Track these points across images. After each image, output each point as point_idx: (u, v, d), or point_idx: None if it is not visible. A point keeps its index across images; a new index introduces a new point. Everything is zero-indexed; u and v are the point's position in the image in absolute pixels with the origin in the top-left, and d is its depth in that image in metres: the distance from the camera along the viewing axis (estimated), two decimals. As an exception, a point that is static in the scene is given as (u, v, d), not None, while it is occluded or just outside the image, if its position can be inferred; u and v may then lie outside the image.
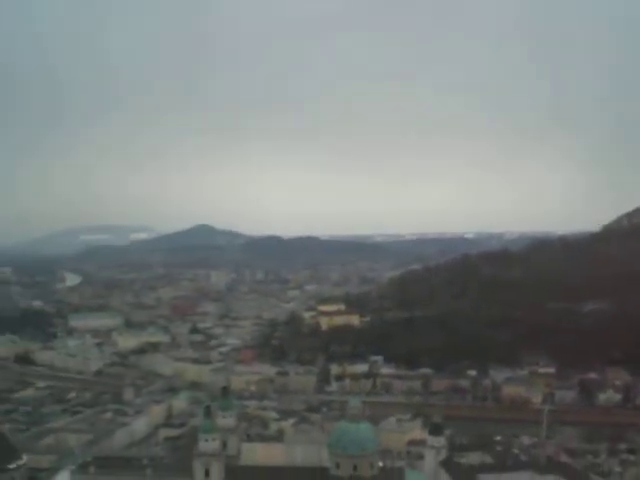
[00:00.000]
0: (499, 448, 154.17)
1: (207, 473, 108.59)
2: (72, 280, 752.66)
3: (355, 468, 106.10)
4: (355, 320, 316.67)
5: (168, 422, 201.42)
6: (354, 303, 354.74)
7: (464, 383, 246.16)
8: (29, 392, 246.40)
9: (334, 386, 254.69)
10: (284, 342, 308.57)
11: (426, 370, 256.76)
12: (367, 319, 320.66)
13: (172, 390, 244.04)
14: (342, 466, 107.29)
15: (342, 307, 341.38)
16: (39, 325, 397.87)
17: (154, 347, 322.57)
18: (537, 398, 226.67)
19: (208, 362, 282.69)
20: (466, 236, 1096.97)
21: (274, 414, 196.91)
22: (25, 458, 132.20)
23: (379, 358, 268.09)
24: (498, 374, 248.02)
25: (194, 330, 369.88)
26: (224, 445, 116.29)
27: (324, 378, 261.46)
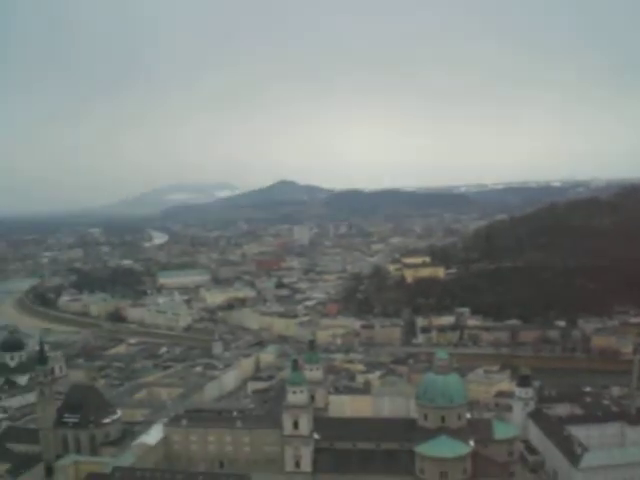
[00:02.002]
0: (588, 399, 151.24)
1: (296, 424, 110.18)
2: (159, 239, 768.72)
3: (443, 419, 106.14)
4: (440, 272, 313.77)
5: (256, 375, 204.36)
6: (439, 255, 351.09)
7: (553, 334, 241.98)
8: (121, 348, 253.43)
9: (420, 338, 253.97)
10: (369, 295, 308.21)
11: (514, 321, 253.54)
12: (452, 271, 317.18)
13: (259, 344, 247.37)
14: (429, 417, 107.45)
15: (427, 259, 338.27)
16: (129, 283, 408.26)
17: (241, 302, 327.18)
18: (627, 348, 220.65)
19: (294, 316, 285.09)
20: (552, 184, 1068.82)
21: (361, 366, 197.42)
22: (119, 412, 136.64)
23: (465, 310, 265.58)
24: (587, 325, 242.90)
25: (279, 285, 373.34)
26: (312, 397, 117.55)
27: (410, 330, 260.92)
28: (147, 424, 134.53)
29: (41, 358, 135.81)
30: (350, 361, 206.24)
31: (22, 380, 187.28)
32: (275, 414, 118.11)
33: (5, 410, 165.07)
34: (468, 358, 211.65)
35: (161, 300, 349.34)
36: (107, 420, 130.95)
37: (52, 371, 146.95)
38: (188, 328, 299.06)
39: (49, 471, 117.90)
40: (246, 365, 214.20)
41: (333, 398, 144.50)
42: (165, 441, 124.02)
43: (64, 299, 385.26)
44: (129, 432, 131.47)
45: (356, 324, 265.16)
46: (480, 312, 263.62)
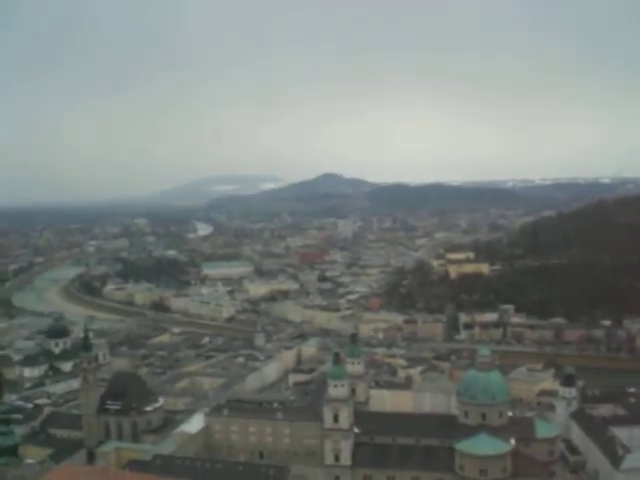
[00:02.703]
0: (632, 400, 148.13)
1: (336, 418, 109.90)
2: (204, 230, 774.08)
3: (484, 417, 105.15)
4: (485, 268, 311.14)
5: (298, 367, 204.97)
6: (484, 251, 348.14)
7: (598, 333, 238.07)
8: (165, 338, 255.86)
9: (463, 334, 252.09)
10: (412, 290, 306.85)
11: (558, 320, 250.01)
12: (497, 267, 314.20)
13: (301, 336, 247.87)
14: (470, 414, 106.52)
15: (471, 255, 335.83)
16: (173, 273, 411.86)
17: (284, 294, 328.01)
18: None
19: (337, 309, 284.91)
20: (601, 181, 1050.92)
21: (402, 361, 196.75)
22: (161, 400, 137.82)
23: (509, 307, 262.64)
24: (633, 325, 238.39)
25: (322, 278, 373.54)
26: (353, 391, 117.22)
27: (453, 326, 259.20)
28: (188, 413, 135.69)
29: (85, 345, 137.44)
30: (392, 356, 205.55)
31: (66, 367, 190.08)
32: (316, 407, 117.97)
33: (49, 396, 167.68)
34: (511, 356, 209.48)
35: (205, 291, 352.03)
36: (149, 408, 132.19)
37: (96, 358, 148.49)
38: (231, 319, 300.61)
39: (91, 457, 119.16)
40: (288, 357, 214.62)
41: (374, 392, 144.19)
42: (206, 430, 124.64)
43: (109, 288, 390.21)
44: (170, 420, 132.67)
45: (399, 319, 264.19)
46: (524, 309, 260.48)
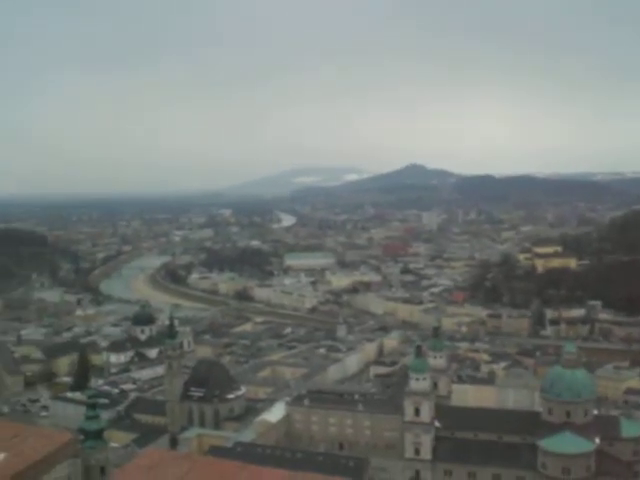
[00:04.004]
0: None
1: (417, 411, 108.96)
2: (287, 221, 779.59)
3: (568, 414, 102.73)
4: (572, 263, 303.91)
5: (379, 360, 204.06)
6: (571, 245, 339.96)
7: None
8: (247, 327, 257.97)
9: (549, 330, 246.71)
10: (497, 284, 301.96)
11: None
12: (585, 262, 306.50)
13: (383, 329, 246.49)
14: (554, 412, 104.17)
15: (558, 249, 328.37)
16: (256, 263, 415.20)
17: (366, 286, 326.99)
18: None
19: (419, 302, 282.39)
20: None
21: (486, 356, 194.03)
22: (243, 389, 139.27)
23: (597, 303, 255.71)
24: None
25: (405, 270, 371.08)
26: (435, 385, 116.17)
27: (538, 322, 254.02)
28: (270, 402, 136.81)
29: (171, 333, 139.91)
30: (475, 350, 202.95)
31: (152, 353, 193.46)
32: (397, 400, 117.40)
33: (134, 382, 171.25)
34: (598, 353, 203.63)
35: (287, 281, 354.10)
36: (231, 396, 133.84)
37: (181, 346, 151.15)
38: (313, 310, 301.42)
39: (173, 442, 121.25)
40: (369, 349, 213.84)
41: (456, 387, 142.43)
42: (287, 419, 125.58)
43: (194, 277, 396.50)
44: (252, 409, 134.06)
45: (483, 313, 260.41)
46: (612, 306, 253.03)
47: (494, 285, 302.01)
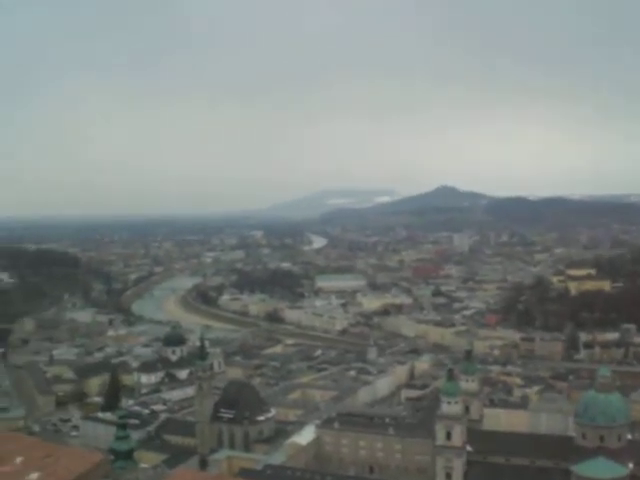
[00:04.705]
0: None
1: (448, 435, 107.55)
2: (318, 242, 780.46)
3: (602, 439, 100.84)
4: (606, 285, 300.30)
5: (410, 383, 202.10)
6: (605, 267, 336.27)
7: None
8: (278, 348, 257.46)
9: (582, 354, 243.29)
10: (530, 307, 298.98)
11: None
12: (619, 284, 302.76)
13: (414, 351, 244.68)
14: (588, 436, 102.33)
15: (592, 271, 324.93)
16: (287, 285, 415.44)
17: (397, 309, 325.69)
18: None
19: (451, 325, 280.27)
20: None
21: (518, 380, 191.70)
22: (273, 411, 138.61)
23: (631, 326, 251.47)
24: None
25: (437, 292, 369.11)
26: (466, 409, 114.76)
27: (572, 345, 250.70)
28: (300, 424, 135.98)
29: (201, 354, 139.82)
30: (507, 374, 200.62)
31: (182, 374, 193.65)
32: (428, 423, 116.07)
33: (165, 402, 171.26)
34: (632, 377, 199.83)
35: (318, 303, 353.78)
36: (261, 418, 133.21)
37: (211, 367, 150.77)
38: (343, 332, 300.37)
39: (203, 464, 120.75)
40: (400, 372, 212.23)
41: (488, 411, 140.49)
42: (316, 442, 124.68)
43: (225, 298, 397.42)
44: (282, 431, 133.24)
45: (515, 336, 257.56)
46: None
47: (527, 308, 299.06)
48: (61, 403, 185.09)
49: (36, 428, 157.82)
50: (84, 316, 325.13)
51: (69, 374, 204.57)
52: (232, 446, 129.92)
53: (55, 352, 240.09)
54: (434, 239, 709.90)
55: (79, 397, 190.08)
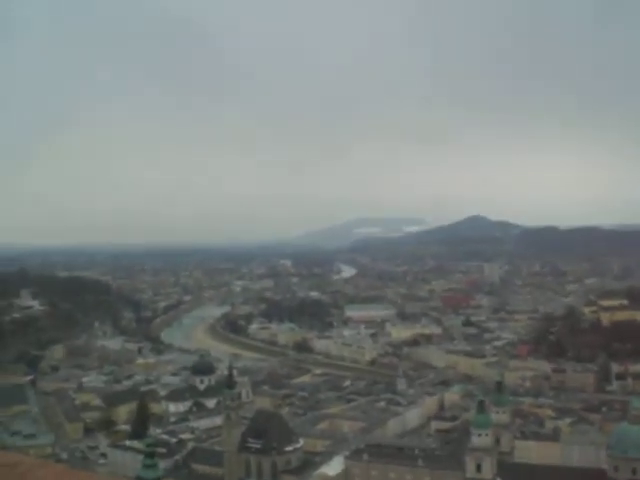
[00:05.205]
0: None
1: (479, 468, 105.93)
2: (347, 272, 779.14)
3: (634, 472, 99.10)
4: (639, 316, 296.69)
5: (440, 414, 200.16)
6: (638, 297, 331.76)
7: None
8: (306, 378, 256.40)
9: (615, 385, 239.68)
10: (561, 338, 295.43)
11: None
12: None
13: (444, 382, 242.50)
14: (621, 469, 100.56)
15: (625, 302, 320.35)
16: (316, 314, 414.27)
17: (427, 339, 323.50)
18: None
19: (482, 356, 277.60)
20: None
21: (550, 412, 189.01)
22: (301, 441, 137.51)
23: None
24: None
25: (467, 323, 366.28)
26: (497, 441, 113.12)
27: (604, 377, 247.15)
28: (328, 455, 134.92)
29: (229, 383, 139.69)
30: (539, 406, 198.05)
31: (210, 403, 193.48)
32: (458, 455, 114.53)
33: (193, 431, 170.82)
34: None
35: (347, 333, 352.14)
36: (289, 448, 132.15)
37: (239, 396, 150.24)
38: (373, 362, 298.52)
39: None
40: (430, 403, 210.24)
41: (519, 443, 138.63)
42: (345, 474, 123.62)
43: (253, 327, 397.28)
44: (310, 462, 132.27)
45: (547, 367, 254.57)
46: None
47: (558, 339, 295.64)
48: (89, 430, 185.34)
49: (64, 455, 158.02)
50: (114, 344, 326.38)
51: (97, 402, 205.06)
52: (260, 476, 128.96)
53: (84, 379, 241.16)
54: (464, 269, 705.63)
55: (107, 425, 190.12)
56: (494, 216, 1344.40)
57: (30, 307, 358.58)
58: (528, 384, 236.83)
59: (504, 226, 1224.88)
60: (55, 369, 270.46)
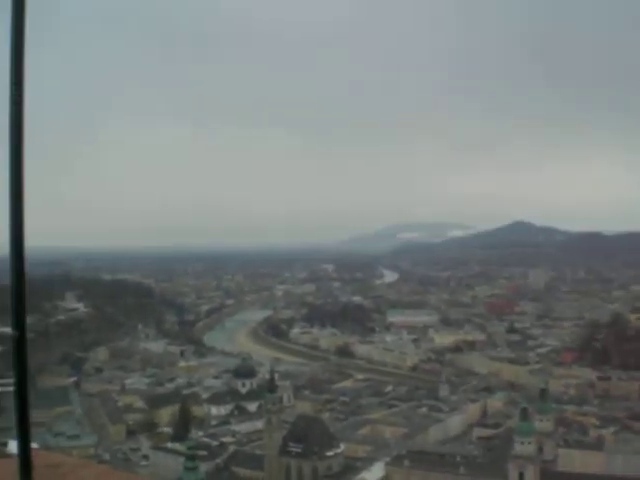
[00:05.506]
0: None
1: (521, 476, 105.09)
2: (389, 277, 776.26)
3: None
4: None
5: (482, 421, 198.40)
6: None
7: None
8: (347, 383, 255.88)
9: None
10: (606, 345, 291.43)
11: None
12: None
13: (487, 389, 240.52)
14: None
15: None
16: (358, 319, 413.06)
17: (470, 345, 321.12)
18: None
19: (525, 363, 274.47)
20: None
21: (594, 420, 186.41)
22: (342, 446, 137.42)
23: None
24: None
25: (511, 329, 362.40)
26: (540, 449, 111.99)
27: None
28: (369, 461, 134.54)
29: (271, 386, 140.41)
30: (583, 414, 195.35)
31: (252, 407, 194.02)
32: (500, 463, 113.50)
33: (234, 434, 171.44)
34: None
35: (389, 338, 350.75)
36: (330, 453, 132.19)
37: (280, 400, 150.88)
38: (415, 368, 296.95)
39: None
40: (473, 410, 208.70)
41: (562, 451, 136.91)
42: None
43: (295, 331, 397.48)
44: (350, 467, 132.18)
45: (591, 375, 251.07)
46: None
47: (604, 346, 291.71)
48: (131, 432, 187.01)
49: (106, 456, 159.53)
50: (156, 347, 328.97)
51: (140, 404, 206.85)
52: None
53: (127, 381, 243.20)
54: (508, 275, 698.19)
55: (149, 427, 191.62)
56: (539, 221, 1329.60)
57: (74, 309, 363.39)
58: (572, 392, 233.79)
59: (549, 232, 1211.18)
60: (99, 371, 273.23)
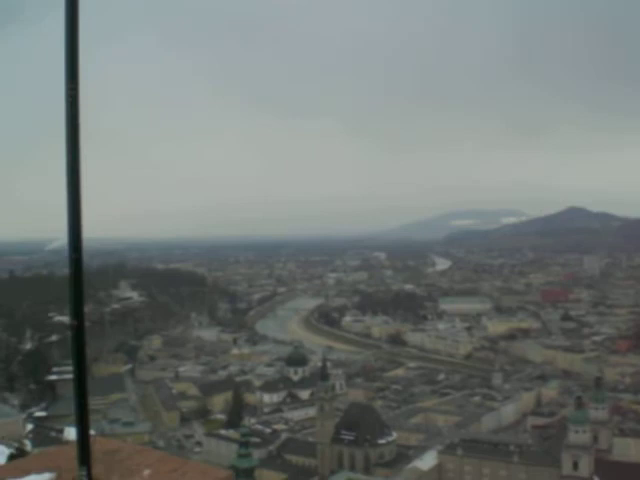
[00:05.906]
0: None
1: (575, 465, 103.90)
2: (442, 264, 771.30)
3: None
4: None
5: (536, 410, 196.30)
6: None
7: None
8: (400, 371, 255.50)
9: None
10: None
11: None
12: None
13: (541, 378, 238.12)
14: None
15: None
16: (410, 307, 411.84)
17: (524, 333, 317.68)
18: None
19: (580, 351, 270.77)
20: None
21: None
22: (395, 434, 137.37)
23: None
24: None
25: (566, 317, 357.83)
26: (595, 438, 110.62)
27: None
28: (421, 449, 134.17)
29: (323, 374, 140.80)
30: (639, 402, 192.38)
31: (304, 394, 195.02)
32: (554, 452, 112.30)
33: (286, 422, 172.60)
34: None
35: (441, 326, 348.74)
36: (382, 441, 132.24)
37: (333, 388, 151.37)
38: (468, 356, 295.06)
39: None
40: (526, 399, 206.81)
41: (618, 440, 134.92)
42: (438, 468, 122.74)
43: (347, 319, 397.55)
44: (403, 455, 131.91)
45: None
46: None
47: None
48: (185, 419, 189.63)
49: (161, 443, 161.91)
50: (209, 335, 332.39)
51: (194, 391, 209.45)
52: (352, 468, 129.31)
53: (181, 369, 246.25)
54: (563, 261, 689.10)
55: (203, 414, 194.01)
56: (594, 207, 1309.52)
57: (129, 298, 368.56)
58: (628, 380, 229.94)
59: (604, 217, 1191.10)
60: (153, 359, 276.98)
